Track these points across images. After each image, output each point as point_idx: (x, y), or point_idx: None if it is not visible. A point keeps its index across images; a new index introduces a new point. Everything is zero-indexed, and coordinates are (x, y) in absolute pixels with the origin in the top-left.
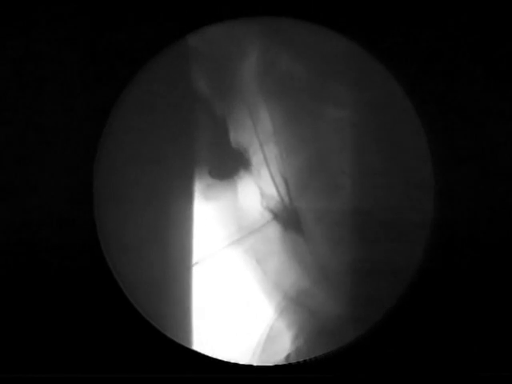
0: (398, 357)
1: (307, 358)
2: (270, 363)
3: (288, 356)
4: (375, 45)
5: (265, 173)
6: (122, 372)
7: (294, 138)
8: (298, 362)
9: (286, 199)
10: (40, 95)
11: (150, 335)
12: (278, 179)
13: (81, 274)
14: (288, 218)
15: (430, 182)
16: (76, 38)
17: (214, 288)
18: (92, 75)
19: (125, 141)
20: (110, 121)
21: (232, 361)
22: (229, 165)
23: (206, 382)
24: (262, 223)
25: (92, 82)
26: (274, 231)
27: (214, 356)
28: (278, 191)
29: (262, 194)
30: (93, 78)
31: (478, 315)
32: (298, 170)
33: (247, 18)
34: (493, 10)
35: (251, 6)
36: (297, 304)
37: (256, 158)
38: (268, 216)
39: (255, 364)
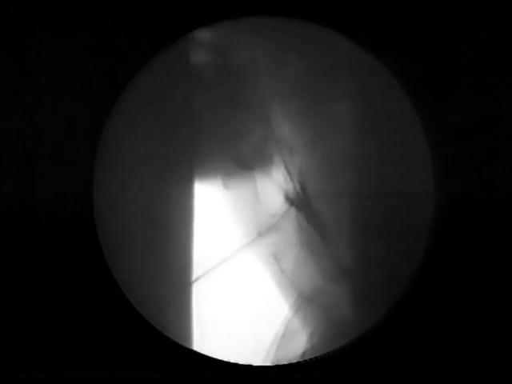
0: (398, 357)
1: (318, 356)
2: (285, 362)
3: (304, 354)
4: (375, 44)
5: (280, 167)
6: (122, 372)
7: (307, 133)
8: (299, 362)
9: (303, 194)
10: (40, 93)
11: (150, 335)
12: (295, 173)
13: (81, 273)
14: (305, 214)
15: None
16: (76, 37)
17: (224, 287)
18: (92, 74)
19: (126, 141)
20: (110, 120)
21: (242, 361)
22: (244, 160)
23: (206, 381)
24: (279, 219)
25: (92, 82)
26: (290, 227)
27: (219, 357)
28: (295, 186)
29: (279, 187)
30: (93, 78)
31: (479, 315)
32: (313, 164)
33: (247, 17)
34: (493, 9)
35: (251, 6)
36: (312, 302)
37: (271, 153)
38: (285, 211)
39: (269, 363)
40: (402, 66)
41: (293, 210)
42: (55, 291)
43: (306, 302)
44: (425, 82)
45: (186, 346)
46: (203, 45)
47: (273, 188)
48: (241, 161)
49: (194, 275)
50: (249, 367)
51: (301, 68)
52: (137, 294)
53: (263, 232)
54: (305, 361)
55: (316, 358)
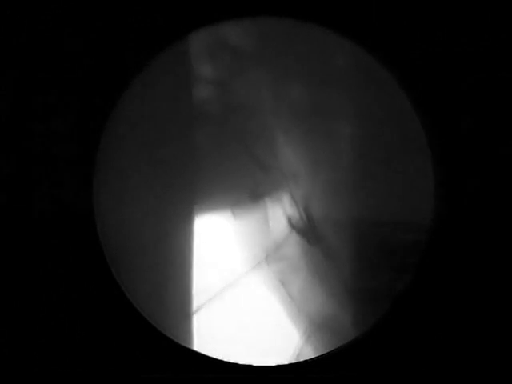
0: (398, 357)
1: (318, 356)
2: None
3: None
4: (377, 46)
5: (285, 194)
6: (122, 372)
7: (311, 159)
8: (299, 362)
9: (308, 219)
10: (39, 93)
11: (150, 335)
12: (300, 199)
13: (81, 274)
14: (310, 237)
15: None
16: (75, 40)
17: (231, 312)
18: (91, 77)
19: (125, 144)
20: (109, 124)
21: (242, 361)
22: (250, 188)
23: (206, 381)
24: (285, 243)
25: (91, 84)
26: (297, 253)
27: (219, 357)
28: (300, 212)
29: (284, 214)
30: (92, 80)
31: (478, 315)
32: (318, 189)
33: (247, 18)
34: (496, 13)
35: (251, 6)
36: (322, 327)
37: (275, 178)
38: (291, 235)
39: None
40: (405, 67)
41: (299, 236)
42: (56, 293)
43: (317, 328)
44: (433, 96)
45: (186, 346)
46: (204, 78)
47: (279, 215)
48: (247, 189)
49: (200, 301)
50: (249, 367)
51: (303, 92)
52: (137, 294)
53: (270, 258)
54: (305, 361)
55: (316, 358)
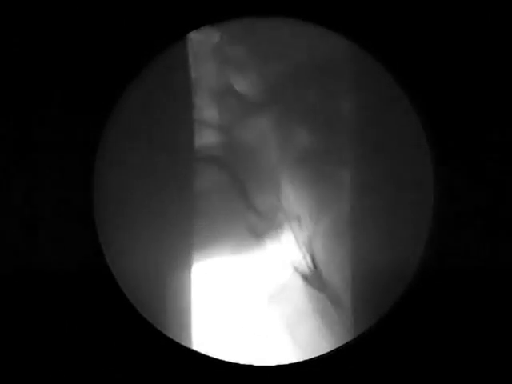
0: (398, 357)
1: (318, 356)
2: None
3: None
4: (379, 49)
5: (289, 236)
6: (122, 372)
7: (314, 201)
8: (299, 362)
9: (311, 259)
10: (38, 95)
11: (150, 335)
12: (303, 242)
13: (81, 274)
14: (313, 279)
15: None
16: (74, 42)
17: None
18: (91, 77)
19: (125, 145)
20: (109, 125)
21: (242, 361)
22: (253, 229)
23: (206, 382)
24: (288, 285)
25: (90, 85)
26: (300, 294)
27: (214, 356)
28: (304, 254)
29: (287, 256)
30: (91, 81)
31: (477, 317)
32: (321, 232)
33: (247, 18)
34: (494, 11)
35: (249, 6)
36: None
37: (277, 220)
38: (293, 277)
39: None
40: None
41: (301, 278)
42: (56, 293)
43: None
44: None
45: (186, 346)
46: (209, 123)
47: (282, 257)
48: (250, 230)
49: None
50: (249, 367)
51: (306, 135)
52: (137, 295)
53: (273, 300)
54: (305, 361)
55: (316, 358)
